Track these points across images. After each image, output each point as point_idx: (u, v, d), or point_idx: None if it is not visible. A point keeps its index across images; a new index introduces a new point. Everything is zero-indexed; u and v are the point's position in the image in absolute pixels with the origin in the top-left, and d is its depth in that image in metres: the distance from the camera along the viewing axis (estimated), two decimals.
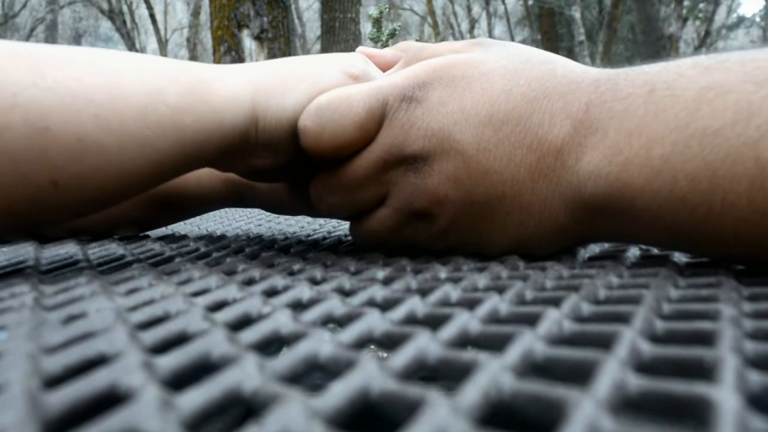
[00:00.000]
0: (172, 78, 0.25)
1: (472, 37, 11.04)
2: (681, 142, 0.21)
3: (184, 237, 0.42)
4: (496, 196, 0.25)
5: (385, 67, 0.32)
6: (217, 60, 2.62)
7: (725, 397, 0.10)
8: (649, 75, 0.23)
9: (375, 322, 0.16)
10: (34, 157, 0.21)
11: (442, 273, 0.23)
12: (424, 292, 0.19)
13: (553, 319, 0.15)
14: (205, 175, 0.40)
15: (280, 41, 2.61)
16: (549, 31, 8.81)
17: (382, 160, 0.27)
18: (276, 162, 0.29)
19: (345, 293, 0.20)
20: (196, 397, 0.10)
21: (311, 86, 0.28)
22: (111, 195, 0.24)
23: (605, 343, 0.13)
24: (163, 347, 0.14)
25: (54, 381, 0.11)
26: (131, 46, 8.20)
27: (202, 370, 0.13)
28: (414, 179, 0.26)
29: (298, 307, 0.19)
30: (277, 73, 0.29)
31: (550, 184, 0.25)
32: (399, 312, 0.17)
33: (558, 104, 0.25)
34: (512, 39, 10.25)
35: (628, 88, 0.23)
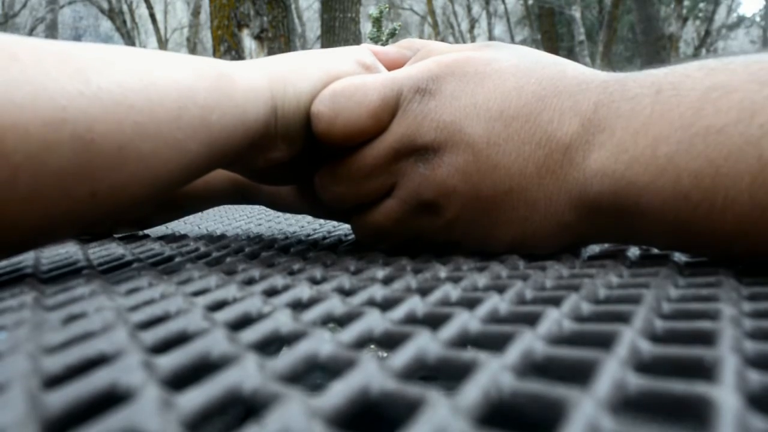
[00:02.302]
0: (199, 75, 0.25)
1: (472, 37, 11.05)
2: (685, 141, 0.21)
3: (184, 237, 0.42)
4: (503, 190, 0.26)
5: (387, 65, 0.32)
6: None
7: (725, 396, 0.10)
8: (657, 77, 0.23)
9: (375, 321, 0.16)
10: (77, 171, 0.20)
11: (442, 272, 0.23)
12: (424, 292, 0.19)
13: (553, 319, 0.15)
14: (211, 173, 0.40)
15: (280, 41, 2.61)
16: (549, 31, 8.81)
17: (394, 150, 0.27)
18: (290, 153, 0.29)
19: (345, 293, 0.20)
20: (196, 397, 0.10)
21: (326, 73, 0.28)
22: (143, 199, 0.24)
23: (605, 342, 0.13)
24: (163, 347, 0.14)
25: (54, 381, 0.11)
26: (131, 46, 8.21)
27: (202, 369, 0.13)
28: (423, 170, 0.27)
29: (298, 306, 0.19)
30: (291, 62, 0.29)
31: (557, 181, 0.25)
32: (399, 311, 0.17)
33: (567, 103, 0.25)
34: (512, 39, 10.25)
35: (635, 89, 0.23)
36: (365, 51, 0.32)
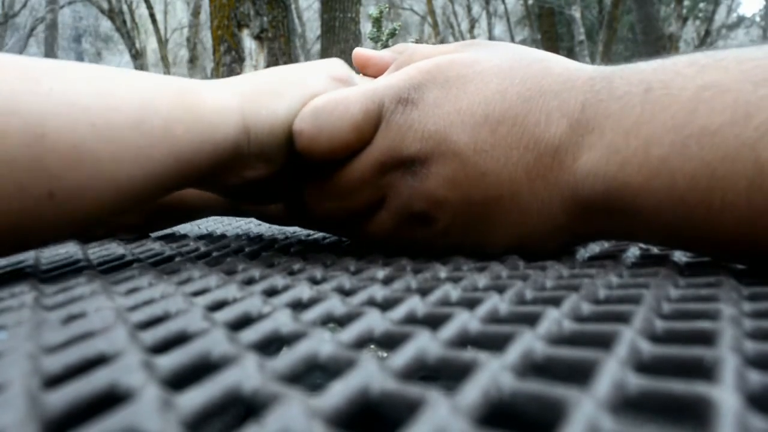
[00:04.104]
0: (162, 89, 0.25)
1: (472, 37, 11.05)
2: (679, 143, 0.21)
3: (184, 237, 0.42)
4: (494, 197, 0.25)
5: (382, 69, 0.32)
6: (218, 59, 2.62)
7: (725, 396, 0.10)
8: (645, 73, 0.23)
9: (375, 321, 0.16)
10: (31, 165, 0.21)
11: (442, 273, 0.23)
12: (424, 292, 0.19)
13: (553, 319, 0.15)
14: None
15: (280, 41, 2.61)
16: (549, 31, 8.80)
17: (379, 164, 0.27)
18: (268, 172, 0.28)
19: (345, 293, 0.20)
20: (196, 397, 0.10)
21: (302, 91, 0.28)
22: (106, 208, 0.23)
23: (605, 342, 0.13)
24: (163, 347, 0.14)
25: (54, 381, 0.11)
26: (131, 46, 8.21)
27: (202, 369, 0.13)
28: (411, 182, 0.26)
29: (298, 306, 0.19)
30: (264, 81, 0.28)
31: (548, 184, 0.24)
32: (399, 311, 0.17)
33: (554, 103, 0.24)
34: (512, 39, 10.25)
35: (624, 87, 0.23)
36: (338, 64, 0.31)
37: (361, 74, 0.33)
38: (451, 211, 0.26)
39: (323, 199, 0.29)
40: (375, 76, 0.32)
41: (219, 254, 0.31)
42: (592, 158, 0.23)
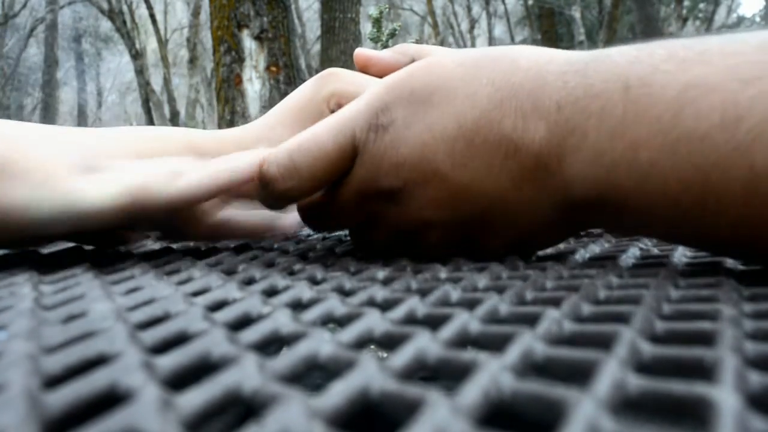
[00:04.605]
0: None
1: (472, 37, 11.05)
2: (668, 146, 0.20)
3: None
4: (482, 207, 0.25)
5: (383, 69, 0.32)
6: (217, 60, 2.62)
7: (725, 397, 0.10)
8: (621, 67, 0.22)
9: (375, 322, 0.16)
10: None
11: (442, 273, 0.23)
12: (424, 292, 0.19)
13: (552, 319, 0.15)
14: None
15: (280, 41, 2.61)
16: (549, 31, 8.80)
17: (359, 194, 0.27)
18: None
19: (345, 293, 0.20)
20: (196, 397, 0.10)
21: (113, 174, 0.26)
22: None
23: (605, 343, 0.13)
24: (163, 347, 0.14)
25: (54, 381, 0.11)
26: (131, 46, 8.20)
27: (202, 369, 0.13)
28: (396, 207, 0.26)
29: (298, 307, 0.19)
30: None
31: (536, 188, 0.24)
32: (399, 312, 0.17)
33: (527, 104, 0.23)
34: (512, 39, 10.25)
35: (600, 84, 0.22)
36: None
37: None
38: (440, 229, 0.26)
39: (319, 218, 0.29)
40: (379, 76, 0.32)
41: (219, 255, 0.31)
42: (579, 160, 0.22)
